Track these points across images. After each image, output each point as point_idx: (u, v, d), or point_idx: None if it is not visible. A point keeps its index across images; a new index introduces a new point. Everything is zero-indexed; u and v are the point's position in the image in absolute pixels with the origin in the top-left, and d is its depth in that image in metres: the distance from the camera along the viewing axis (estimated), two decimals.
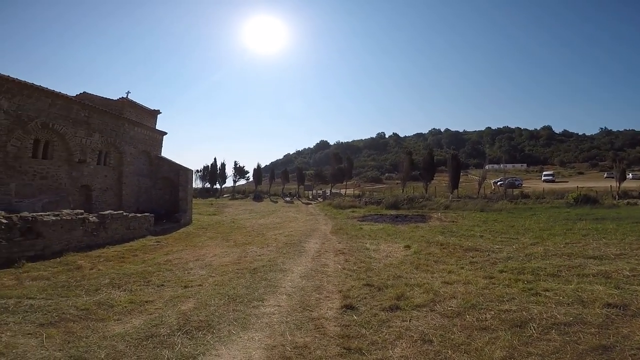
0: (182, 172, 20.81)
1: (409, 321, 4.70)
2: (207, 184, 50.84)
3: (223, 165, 50.55)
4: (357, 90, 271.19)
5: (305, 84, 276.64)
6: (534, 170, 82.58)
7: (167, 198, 21.31)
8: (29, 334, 4.17)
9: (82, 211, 10.68)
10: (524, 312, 4.78)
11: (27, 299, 5.44)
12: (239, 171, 51.35)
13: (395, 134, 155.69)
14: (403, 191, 39.16)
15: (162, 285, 6.58)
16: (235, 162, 51.43)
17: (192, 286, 6.48)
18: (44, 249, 8.61)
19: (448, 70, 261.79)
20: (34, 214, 8.92)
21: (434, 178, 39.45)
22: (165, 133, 23.06)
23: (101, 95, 20.14)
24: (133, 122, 19.42)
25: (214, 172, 49.88)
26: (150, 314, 4.93)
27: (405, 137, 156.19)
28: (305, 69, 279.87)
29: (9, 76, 11.70)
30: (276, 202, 38.24)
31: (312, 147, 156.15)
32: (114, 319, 4.70)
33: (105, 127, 16.89)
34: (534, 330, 4.22)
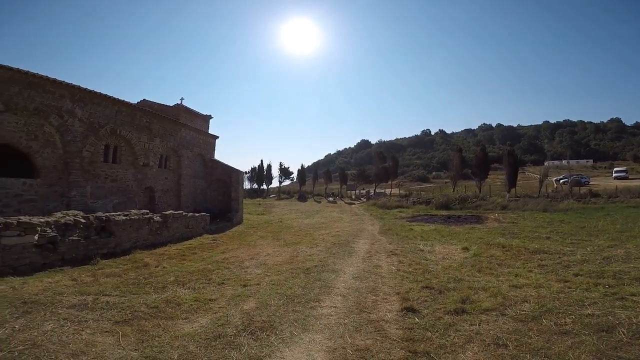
0: (234, 174, 21.74)
1: (479, 325, 4.47)
2: (254, 184, 52.87)
3: (269, 166, 52.43)
4: (399, 88, 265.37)
5: (343, 84, 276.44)
6: (602, 167, 74.26)
7: (221, 199, 22.40)
8: (106, 331, 4.31)
9: (147, 211, 11.50)
10: (609, 317, 4.45)
11: (103, 295, 5.74)
12: (284, 172, 52.78)
13: (441, 131, 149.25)
14: (454, 190, 37.32)
15: (223, 283, 6.77)
16: (280, 163, 53.10)
17: (250, 285, 6.61)
18: (115, 247, 9.28)
19: (493, 62, 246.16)
20: (107, 214, 9.75)
21: (488, 176, 37.02)
22: (217, 137, 24.23)
23: (159, 102, 21.74)
24: (189, 127, 20.67)
25: (260, 174, 51.84)
26: (215, 312, 5.06)
27: (453, 133, 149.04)
28: (344, 69, 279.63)
29: (79, 86, 12.98)
30: (319, 202, 38.49)
31: (352, 146, 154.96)
32: (182, 318, 4.83)
33: (165, 132, 18.15)
34: (624, 334, 3.91)
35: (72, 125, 12.63)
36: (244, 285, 6.58)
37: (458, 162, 40.66)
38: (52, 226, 7.63)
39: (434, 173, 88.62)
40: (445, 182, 54.70)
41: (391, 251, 10.00)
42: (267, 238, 14.09)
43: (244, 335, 4.25)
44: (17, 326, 4.18)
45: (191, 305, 5.35)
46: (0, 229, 6.47)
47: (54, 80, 11.94)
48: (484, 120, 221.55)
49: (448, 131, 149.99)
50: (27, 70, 11.04)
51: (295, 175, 53.90)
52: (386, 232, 14.65)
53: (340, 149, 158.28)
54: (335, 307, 5.35)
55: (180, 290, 6.24)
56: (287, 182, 55.94)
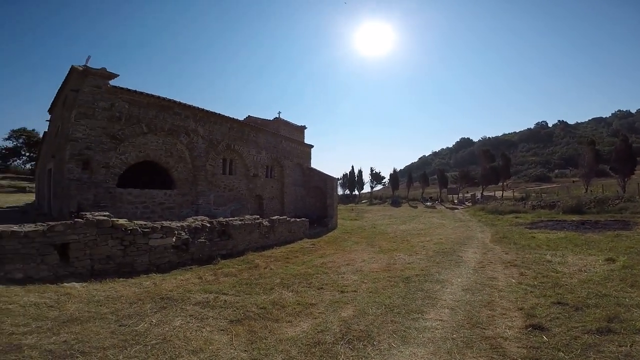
0: (329, 181, 22.51)
1: (629, 346, 3.74)
2: (346, 190, 53.71)
3: (360, 172, 52.81)
4: (499, 81, 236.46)
5: (435, 83, 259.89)
6: None
7: (318, 205, 23.39)
8: (222, 330, 4.55)
9: (258, 216, 12.63)
10: None
11: (222, 294, 6.12)
12: (375, 177, 52.26)
13: (562, 122, 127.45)
14: (587, 190, 31.29)
15: (322, 288, 6.87)
16: (371, 168, 52.98)
17: (347, 291, 6.58)
18: (232, 249, 10.35)
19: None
20: (226, 219, 11.02)
21: (634, 172, 29.78)
22: (312, 146, 25.49)
23: (261, 117, 24.06)
24: (288, 139, 22.29)
25: (352, 179, 52.50)
26: (315, 317, 5.12)
27: (578, 124, 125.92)
28: (432, 67, 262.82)
29: (200, 107, 15.22)
30: (416, 207, 36.65)
31: (450, 146, 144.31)
32: (286, 321, 4.99)
33: (269, 144, 19.95)
34: None
35: (197, 142, 14.91)
36: (342, 292, 6.57)
37: (590, 156, 33.89)
38: (185, 230, 8.98)
39: (556, 171, 76.23)
40: (573, 181, 46.41)
41: (509, 262, 8.80)
42: (361, 244, 14.01)
43: (341, 344, 4.19)
44: (154, 320, 4.70)
45: (294, 308, 5.51)
46: (149, 232, 7.91)
47: (180, 103, 14.30)
48: (618, 106, 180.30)
49: (570, 121, 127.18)
50: (159, 95, 13.49)
51: (387, 180, 52.85)
52: (500, 240, 13.02)
53: (436, 149, 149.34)
54: (441, 320, 4.93)
55: (285, 292, 6.48)
56: (378, 187, 55.27)
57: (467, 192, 44.40)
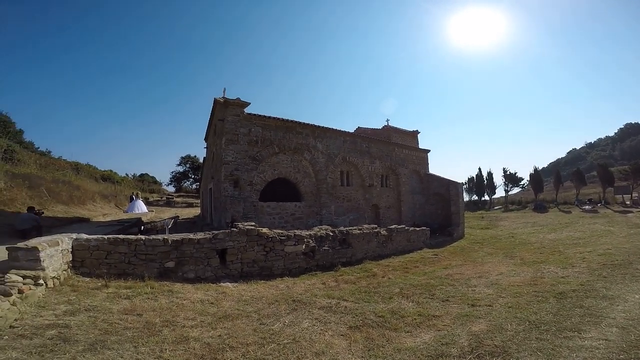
0: (452, 186, 21.04)
1: None
2: (473, 196, 48.21)
3: (490, 174, 46.04)
4: None
5: (575, 64, 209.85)
6: None
7: (439, 212, 22.10)
8: (341, 335, 4.70)
9: (376, 226, 12.89)
10: None
11: (343, 300, 6.38)
12: (510, 179, 44.98)
13: None
14: None
15: (447, 300, 6.59)
16: (503, 169, 45.72)
17: (480, 305, 6.14)
18: (351, 257, 10.82)
19: None
20: (347, 228, 11.65)
21: None
22: (429, 150, 24.31)
23: (370, 127, 24.36)
24: (401, 146, 21.94)
25: (480, 183, 46.61)
26: (439, 330, 4.95)
27: None
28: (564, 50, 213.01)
29: (316, 124, 16.56)
30: (569, 211, 30.33)
31: (612, 134, 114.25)
32: (405, 331, 4.95)
33: (381, 153, 20.08)
34: None
35: (317, 157, 16.27)
36: (472, 305, 6.17)
37: None
38: (312, 238, 9.90)
39: None
40: None
41: None
42: (496, 255, 12.61)
43: (469, 358, 3.98)
44: (287, 321, 5.13)
45: (414, 319, 5.42)
46: (285, 240, 9.09)
47: (301, 123, 15.90)
48: None
49: None
50: (283, 117, 15.28)
51: (526, 181, 45.06)
52: None
53: (592, 140, 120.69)
54: (605, 339, 4.24)
55: (405, 302, 6.43)
56: (515, 191, 47.55)
57: None
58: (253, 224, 8.95)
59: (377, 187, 19.43)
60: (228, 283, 7.40)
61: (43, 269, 5.18)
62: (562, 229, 19.91)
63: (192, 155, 51.72)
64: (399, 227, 13.49)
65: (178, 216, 19.79)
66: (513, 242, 16.35)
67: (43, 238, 6.27)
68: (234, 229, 8.40)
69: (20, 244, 5.26)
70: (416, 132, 25.29)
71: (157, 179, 50.85)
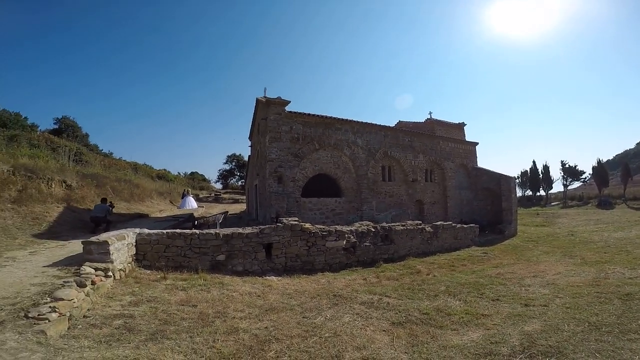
0: (503, 181, 19.84)
1: None
2: (527, 191, 44.80)
3: (546, 168, 42.30)
4: None
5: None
6: None
7: (489, 209, 21.00)
8: (383, 330, 4.72)
9: (420, 222, 12.59)
10: None
11: (385, 296, 6.38)
12: (570, 172, 41.04)
13: None
14: None
15: (497, 299, 6.33)
16: (562, 161, 41.76)
17: (534, 305, 5.84)
18: (394, 253, 10.69)
19: None
20: (389, 224, 11.52)
21: None
22: (477, 143, 23.08)
23: (412, 121, 23.58)
24: (446, 139, 21.07)
25: (534, 177, 43.10)
26: (488, 329, 4.80)
27: None
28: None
29: (355, 120, 16.41)
30: (639, 208, 27.24)
31: None
32: (451, 328, 4.86)
33: (425, 147, 19.45)
34: None
35: (357, 153, 16.19)
36: (525, 305, 5.89)
37: None
38: (353, 234, 9.94)
39: None
40: None
41: None
42: (553, 254, 11.78)
43: (520, 357, 3.84)
44: (328, 315, 5.24)
45: (461, 317, 5.29)
46: (326, 235, 9.23)
47: (340, 119, 15.88)
48: None
49: None
50: (323, 114, 15.38)
51: (587, 174, 40.84)
52: None
53: None
54: None
55: (451, 300, 6.28)
56: (575, 185, 43.41)
57: None
58: (296, 219, 9.18)
59: (421, 182, 18.87)
60: (273, 276, 7.69)
61: (112, 262, 5.73)
62: (630, 227, 17.94)
63: (237, 153, 54.06)
64: (445, 223, 13.05)
65: (227, 211, 20.79)
66: (573, 240, 15.15)
67: (111, 232, 6.98)
68: (279, 224, 8.69)
69: (93, 238, 5.88)
70: (462, 125, 24.09)
71: (206, 177, 53.99)
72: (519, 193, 43.78)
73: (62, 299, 4.12)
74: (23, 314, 3.79)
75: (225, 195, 39.25)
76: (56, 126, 34.77)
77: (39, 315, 3.72)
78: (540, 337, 4.34)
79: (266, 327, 4.62)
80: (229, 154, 54.61)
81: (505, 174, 20.38)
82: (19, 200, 10.48)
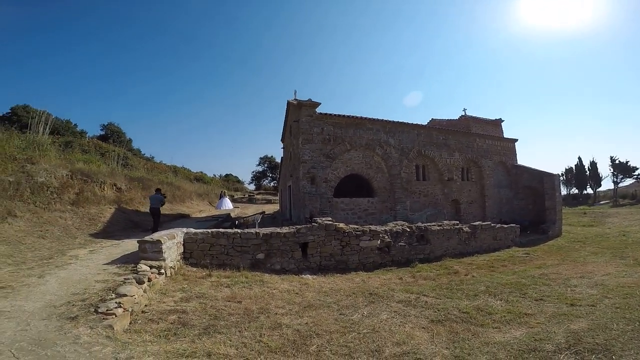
0: (546, 179, 18.85)
1: None
2: (572, 189, 42.07)
3: (593, 164, 39.49)
4: None
5: None
6: None
7: (531, 208, 20.06)
8: (422, 327, 4.80)
9: (457, 222, 12.30)
10: None
11: (422, 295, 6.43)
12: (621, 168, 37.78)
13: None
14: None
15: (541, 299, 6.17)
16: (611, 157, 38.61)
17: (580, 305, 5.67)
18: (429, 254, 10.56)
19: None
20: (424, 224, 11.39)
21: None
22: (516, 140, 22.13)
23: (446, 118, 22.95)
24: (482, 136, 20.35)
25: (580, 175, 40.37)
26: (532, 327, 4.74)
27: None
28: None
29: (387, 119, 16.33)
30: None
31: None
32: (492, 327, 4.83)
33: (461, 145, 18.91)
34: None
35: (390, 152, 16.09)
36: (571, 305, 5.72)
37: None
38: (388, 233, 9.94)
39: None
40: None
41: None
42: (602, 254, 11.12)
43: (566, 354, 3.81)
44: (365, 312, 5.37)
45: (503, 316, 5.24)
46: (360, 235, 9.31)
47: (370, 119, 15.87)
48: None
49: None
50: (353, 115, 15.44)
51: None
52: None
53: None
54: None
55: (492, 300, 6.20)
56: (627, 182, 40.02)
57: None
58: (330, 219, 9.34)
59: (457, 181, 18.37)
60: (308, 275, 7.89)
61: (164, 260, 6.17)
62: None
63: (269, 155, 55.28)
64: (484, 223, 12.68)
65: (264, 212, 21.37)
66: (624, 241, 14.15)
67: (162, 232, 7.51)
68: (314, 224, 8.89)
69: (147, 238, 6.37)
70: (499, 121, 23.15)
71: (240, 178, 55.69)
72: (563, 191, 41.29)
73: (125, 295, 4.46)
74: (93, 309, 4.12)
75: (258, 196, 40.31)
76: (102, 132, 37.46)
77: (107, 310, 4.05)
78: (587, 335, 4.28)
79: (306, 323, 4.81)
80: (262, 156, 55.99)
81: (548, 171, 19.38)
82: (77, 202, 11.48)
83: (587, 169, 39.93)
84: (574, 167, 41.44)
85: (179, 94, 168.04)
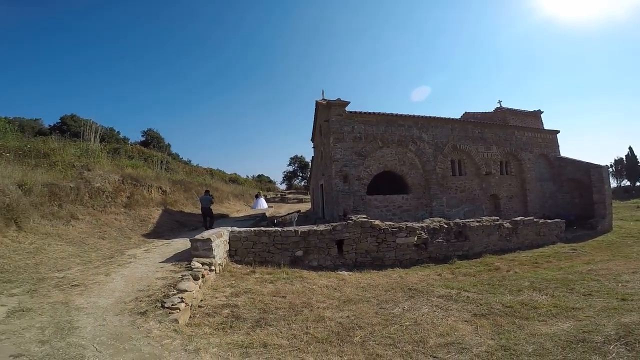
0: (594, 171, 17.73)
1: None
2: (623, 181, 39.02)
3: None
4: None
5: None
6: None
7: (576, 202, 18.97)
8: (465, 321, 4.84)
9: (497, 218, 11.98)
10: None
11: (463, 291, 6.43)
12: None
13: None
14: None
15: (589, 294, 5.97)
16: None
17: (632, 300, 5.43)
18: (468, 250, 10.39)
19: None
20: (463, 220, 11.18)
21: None
22: (558, 131, 20.94)
23: (480, 111, 22.11)
24: (521, 128, 19.48)
25: (632, 166, 37.33)
26: (580, 320, 4.66)
27: None
28: None
29: (419, 115, 16.11)
30: None
31: None
32: (538, 320, 4.79)
33: (498, 138, 18.22)
34: None
35: (423, 148, 15.88)
36: (622, 300, 5.49)
37: None
38: (425, 230, 9.90)
39: None
40: None
41: None
42: None
43: (615, 344, 3.75)
44: (405, 306, 5.47)
45: (549, 310, 5.16)
46: (396, 232, 9.37)
47: (402, 115, 15.73)
48: None
49: None
50: (384, 112, 15.37)
51: None
52: None
53: None
54: None
55: (537, 295, 6.10)
56: None
57: None
58: (365, 216, 9.47)
59: (496, 175, 17.73)
60: (344, 271, 8.08)
61: (214, 257, 6.61)
62: None
63: (299, 155, 56.09)
64: (526, 219, 12.20)
65: (300, 210, 21.83)
66: None
67: (211, 230, 8.03)
68: (350, 221, 9.07)
69: (198, 236, 6.86)
70: (538, 112, 21.98)
71: (272, 179, 57.03)
72: (613, 184, 38.42)
73: (186, 291, 4.84)
74: (159, 305, 4.42)
75: (289, 196, 41.10)
76: (143, 138, 39.86)
77: (172, 305, 4.35)
78: (638, 328, 4.15)
79: (348, 316, 5.00)
80: (292, 156, 56.95)
81: (595, 162, 18.19)
82: (129, 205, 12.45)
83: (639, 160, 36.82)
84: (624, 157, 38.40)
85: (222, 100, 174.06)
